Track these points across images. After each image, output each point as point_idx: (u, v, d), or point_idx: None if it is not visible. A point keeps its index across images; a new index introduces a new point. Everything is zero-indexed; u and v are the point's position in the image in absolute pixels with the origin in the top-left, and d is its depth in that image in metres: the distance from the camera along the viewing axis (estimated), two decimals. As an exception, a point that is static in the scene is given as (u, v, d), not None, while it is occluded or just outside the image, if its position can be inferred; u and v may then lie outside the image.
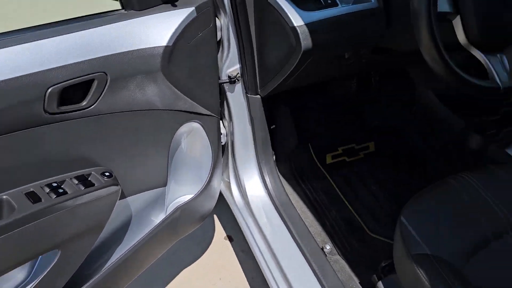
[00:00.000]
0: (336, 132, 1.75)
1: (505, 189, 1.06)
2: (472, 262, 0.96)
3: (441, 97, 1.61)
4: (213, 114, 1.24)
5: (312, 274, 1.23)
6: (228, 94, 1.34)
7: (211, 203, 1.35)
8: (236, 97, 1.35)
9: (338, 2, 1.12)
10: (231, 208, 1.51)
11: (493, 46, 0.98)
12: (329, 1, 1.12)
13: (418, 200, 1.06)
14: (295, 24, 1.07)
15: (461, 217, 1.01)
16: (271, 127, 1.51)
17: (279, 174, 1.48)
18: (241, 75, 1.30)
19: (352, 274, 1.25)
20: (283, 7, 1.09)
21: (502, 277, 0.93)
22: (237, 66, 1.29)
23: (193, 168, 1.28)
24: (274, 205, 1.41)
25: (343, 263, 1.28)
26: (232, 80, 1.30)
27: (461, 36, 0.97)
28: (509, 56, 1.00)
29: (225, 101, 1.36)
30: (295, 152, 1.64)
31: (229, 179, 1.50)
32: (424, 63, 1.45)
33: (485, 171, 1.11)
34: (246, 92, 1.34)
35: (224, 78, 1.30)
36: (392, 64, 1.50)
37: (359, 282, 1.23)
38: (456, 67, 0.94)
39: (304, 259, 1.27)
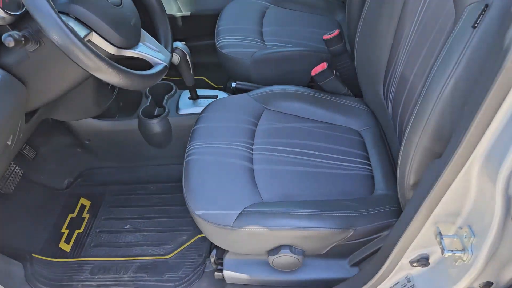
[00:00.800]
0: (44, 220, 1.50)
1: (203, 132, 1.24)
2: (260, 187, 1.10)
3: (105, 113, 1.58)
4: None
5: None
6: None
7: None
8: None
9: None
10: None
11: (134, 39, 1.05)
12: None
13: (188, 189, 1.10)
14: None
15: (216, 173, 1.12)
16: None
17: None
18: None
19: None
20: None
21: (279, 183, 1.13)
22: None
23: None
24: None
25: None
26: None
27: (109, 47, 0.98)
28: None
29: None
30: (35, 277, 1.33)
31: None
32: (70, 101, 1.39)
33: (196, 133, 1.24)
34: None
35: None
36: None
37: (212, 291, 1.22)
38: (130, 71, 0.96)
39: None
